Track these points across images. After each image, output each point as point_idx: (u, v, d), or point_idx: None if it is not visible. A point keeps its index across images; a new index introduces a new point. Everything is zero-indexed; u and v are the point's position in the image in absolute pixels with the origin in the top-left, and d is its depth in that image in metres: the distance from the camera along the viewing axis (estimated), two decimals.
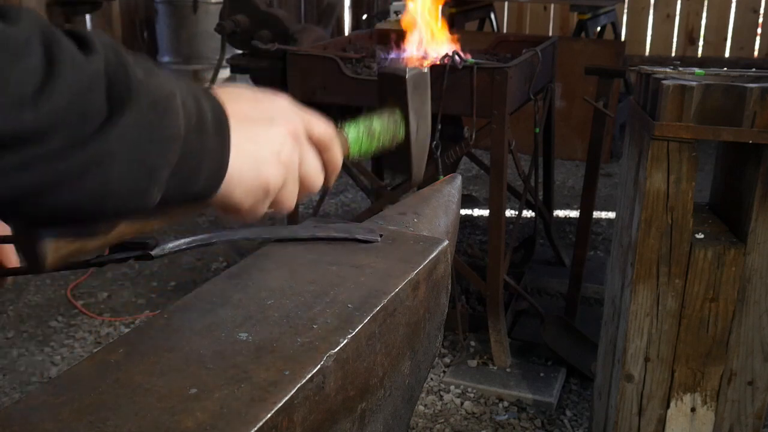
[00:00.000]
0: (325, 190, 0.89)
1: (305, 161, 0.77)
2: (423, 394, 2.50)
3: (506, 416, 2.43)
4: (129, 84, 0.56)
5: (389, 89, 0.97)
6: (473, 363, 2.66)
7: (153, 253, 0.81)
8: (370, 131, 0.92)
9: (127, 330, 2.91)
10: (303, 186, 0.79)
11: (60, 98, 0.51)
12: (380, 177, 3.49)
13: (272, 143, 0.72)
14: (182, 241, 0.85)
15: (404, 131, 0.96)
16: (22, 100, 0.50)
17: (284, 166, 0.73)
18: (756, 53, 6.32)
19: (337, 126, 0.87)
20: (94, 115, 0.54)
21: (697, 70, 1.72)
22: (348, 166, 2.88)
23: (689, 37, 6.41)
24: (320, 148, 0.80)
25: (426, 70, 0.99)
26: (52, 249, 0.64)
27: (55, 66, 0.52)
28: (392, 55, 2.72)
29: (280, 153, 0.73)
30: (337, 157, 0.83)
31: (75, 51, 0.53)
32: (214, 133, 0.65)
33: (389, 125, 0.95)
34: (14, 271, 0.91)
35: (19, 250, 0.64)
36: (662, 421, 1.78)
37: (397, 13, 4.77)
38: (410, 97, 0.95)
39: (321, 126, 0.80)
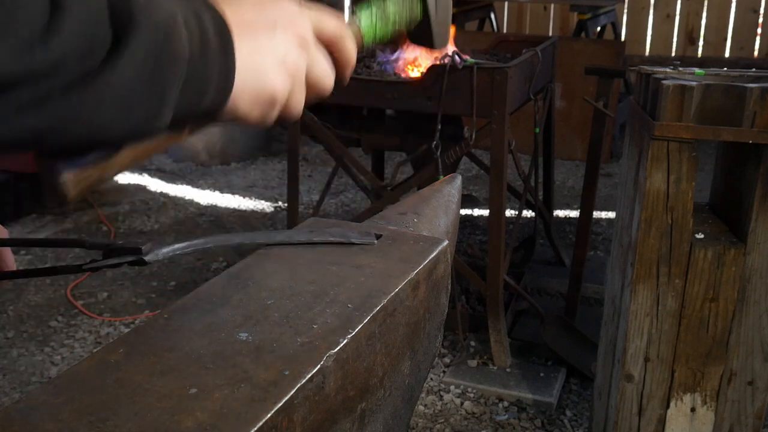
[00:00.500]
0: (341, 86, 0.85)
1: (313, 65, 0.76)
2: (423, 394, 2.50)
3: (506, 416, 2.43)
4: (130, 12, 0.57)
5: None
6: (473, 363, 2.66)
7: (147, 258, 0.81)
8: (385, 14, 0.88)
9: (127, 330, 2.91)
10: (313, 90, 0.78)
11: (68, 33, 0.52)
12: (380, 177, 3.49)
13: (276, 51, 0.71)
14: (177, 246, 0.85)
15: (422, 7, 0.91)
16: (32, 38, 0.51)
17: (290, 74, 0.72)
18: (756, 53, 6.32)
19: (350, 14, 0.84)
20: (101, 45, 0.55)
21: (697, 70, 1.72)
22: (348, 165, 2.88)
23: (689, 37, 6.41)
24: (331, 46, 0.79)
25: None
26: (73, 180, 0.65)
27: (61, 1, 0.52)
28: (392, 56, 2.73)
29: (285, 60, 0.72)
30: (350, 52, 0.81)
31: None
32: (218, 48, 0.65)
33: (405, 3, 0.89)
34: (12, 275, 0.91)
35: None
36: (662, 421, 1.78)
37: None
38: None
39: (330, 22, 0.78)
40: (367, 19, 0.86)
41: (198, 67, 0.63)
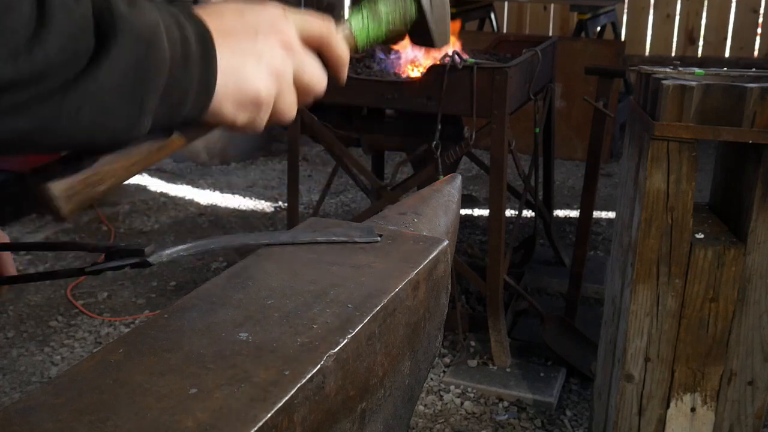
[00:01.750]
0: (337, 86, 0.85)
1: (302, 69, 0.76)
2: (423, 394, 2.50)
3: (506, 416, 2.43)
4: (114, 20, 0.58)
5: None
6: (473, 363, 2.66)
7: (150, 259, 0.80)
8: (376, 15, 0.87)
9: (127, 330, 2.91)
10: (304, 93, 0.78)
11: (52, 44, 0.54)
12: (380, 177, 3.49)
13: (258, 55, 0.71)
14: (180, 247, 0.85)
15: (416, 6, 0.90)
16: (16, 48, 0.52)
17: (275, 77, 0.73)
18: (756, 53, 6.32)
19: (337, 18, 0.83)
20: (84, 54, 0.56)
21: (697, 70, 1.72)
22: (348, 165, 2.88)
23: (689, 37, 6.41)
24: (320, 48, 0.79)
25: None
26: (64, 194, 0.65)
27: (46, 12, 0.53)
28: (392, 55, 2.73)
29: (268, 64, 0.72)
30: (341, 52, 0.81)
31: None
32: (199, 56, 0.66)
33: (397, 3, 0.89)
34: (14, 279, 0.91)
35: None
36: (662, 421, 1.78)
37: None
38: None
39: (316, 25, 0.78)
40: (357, 21, 0.86)
41: (178, 75, 0.63)
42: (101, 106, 0.58)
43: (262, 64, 0.71)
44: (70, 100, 0.56)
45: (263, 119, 0.74)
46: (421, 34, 0.94)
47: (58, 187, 0.65)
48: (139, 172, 0.71)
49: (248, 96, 0.71)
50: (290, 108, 0.77)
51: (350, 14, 0.87)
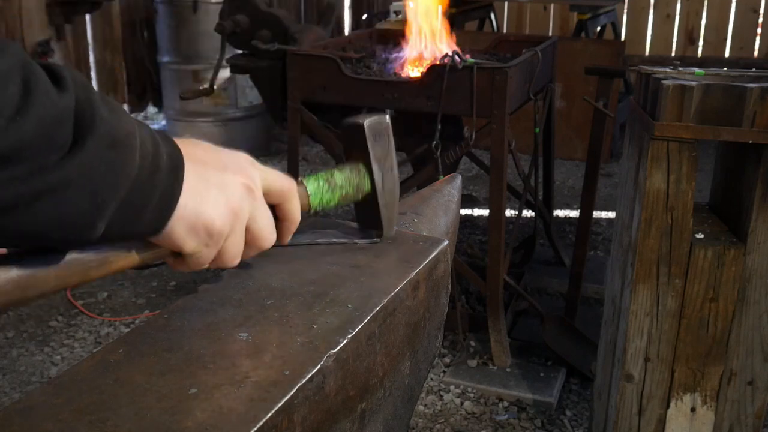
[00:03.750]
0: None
1: (257, 216, 0.77)
2: (423, 394, 2.50)
3: (506, 416, 2.43)
4: (93, 120, 0.59)
5: (350, 140, 0.97)
6: (473, 363, 2.66)
7: None
8: (331, 183, 0.92)
9: (127, 330, 2.91)
10: (253, 241, 0.78)
11: (30, 128, 0.54)
12: None
13: (222, 187, 0.73)
14: None
15: (370, 183, 0.96)
16: None
17: (232, 213, 0.73)
18: (756, 53, 6.32)
19: (296, 179, 0.86)
20: (59, 147, 0.57)
21: (697, 70, 1.72)
22: None
23: (689, 37, 6.41)
24: (277, 202, 0.81)
25: (387, 118, 0.98)
26: None
27: (30, 97, 0.54)
28: (392, 55, 2.73)
29: (229, 198, 0.73)
30: (294, 212, 0.83)
31: (50, 85, 0.56)
32: (167, 173, 0.66)
33: (352, 177, 0.94)
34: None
35: None
36: (662, 421, 1.78)
37: (397, 13, 4.77)
38: (371, 146, 0.95)
39: (278, 180, 0.81)
40: (313, 185, 0.90)
41: (143, 186, 0.64)
42: (62, 200, 0.58)
43: (223, 196, 0.72)
44: (34, 187, 0.56)
45: (210, 254, 0.74)
46: (370, 216, 0.99)
47: None
48: (77, 285, 0.70)
49: (203, 222, 0.71)
50: (237, 252, 0.77)
51: (307, 178, 0.90)
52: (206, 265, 0.76)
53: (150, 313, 3.03)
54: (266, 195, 0.79)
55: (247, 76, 3.01)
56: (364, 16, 6.41)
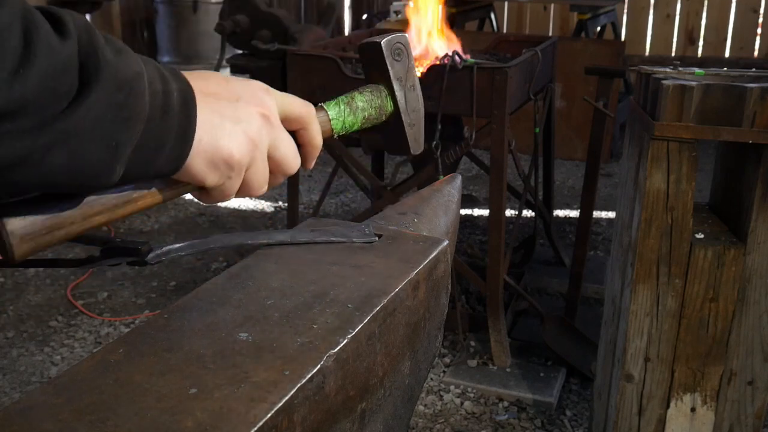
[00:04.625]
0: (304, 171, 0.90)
1: (278, 144, 0.76)
2: (423, 394, 2.50)
3: (506, 416, 2.43)
4: (98, 65, 0.58)
5: (369, 61, 0.94)
6: (473, 363, 2.66)
7: (147, 258, 0.81)
8: (352, 106, 0.90)
9: (127, 330, 2.91)
10: (277, 169, 0.78)
11: (33, 80, 0.53)
12: (380, 177, 3.49)
13: (237, 119, 0.72)
14: (178, 246, 0.85)
15: (392, 103, 0.93)
16: None
17: (251, 142, 0.73)
18: (756, 53, 6.32)
19: (316, 105, 0.85)
20: (64, 96, 0.56)
21: (697, 70, 1.72)
22: (348, 165, 2.88)
23: (689, 37, 6.41)
24: (297, 128, 0.80)
25: (406, 35, 0.95)
26: (23, 234, 0.63)
27: (32, 49, 0.53)
28: None
29: (246, 128, 0.72)
30: (315, 136, 0.82)
31: (51, 35, 0.55)
32: (180, 111, 0.66)
33: (374, 98, 0.92)
34: (11, 264, 0.91)
35: None
36: (662, 421, 1.78)
37: (397, 13, 4.77)
38: (390, 65, 0.92)
39: (296, 105, 0.79)
40: (334, 110, 0.88)
41: (156, 126, 0.63)
42: (75, 149, 0.58)
43: (239, 127, 0.72)
44: (44, 138, 0.55)
45: (234, 185, 0.74)
46: (397, 136, 0.96)
47: (16, 225, 0.63)
48: (103, 224, 0.70)
49: (222, 155, 0.70)
50: (262, 181, 0.76)
51: (328, 102, 0.89)
52: (233, 196, 0.75)
53: (150, 313, 3.03)
54: (285, 121, 0.78)
55: (247, 76, 3.01)
56: (364, 16, 6.41)
